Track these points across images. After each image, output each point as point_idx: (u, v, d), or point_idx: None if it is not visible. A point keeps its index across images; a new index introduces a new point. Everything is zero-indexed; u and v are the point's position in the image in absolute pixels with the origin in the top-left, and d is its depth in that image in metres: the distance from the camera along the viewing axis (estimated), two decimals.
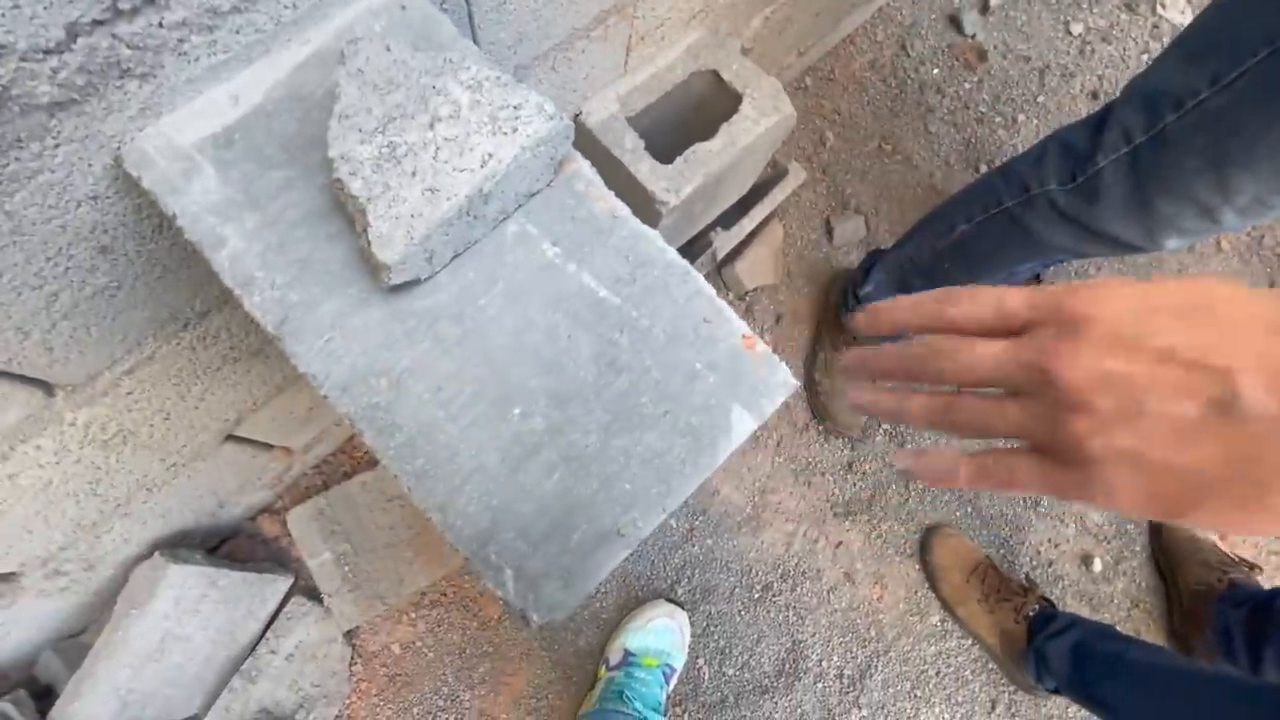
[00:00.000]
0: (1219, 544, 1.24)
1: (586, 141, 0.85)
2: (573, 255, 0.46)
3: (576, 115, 0.84)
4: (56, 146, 0.40)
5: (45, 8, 0.33)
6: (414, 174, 0.40)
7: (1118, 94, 0.77)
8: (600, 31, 0.74)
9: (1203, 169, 0.68)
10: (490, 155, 0.41)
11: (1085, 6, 1.65)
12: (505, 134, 0.42)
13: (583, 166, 0.48)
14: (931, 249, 1.03)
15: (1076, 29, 1.62)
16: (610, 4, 0.71)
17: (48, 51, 0.35)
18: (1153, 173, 0.72)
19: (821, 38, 1.41)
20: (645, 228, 0.47)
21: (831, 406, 1.26)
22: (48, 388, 0.56)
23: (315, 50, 0.47)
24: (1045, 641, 1.07)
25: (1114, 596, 1.28)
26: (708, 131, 0.87)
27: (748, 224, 1.16)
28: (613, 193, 0.48)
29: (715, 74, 0.91)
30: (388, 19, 0.48)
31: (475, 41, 0.60)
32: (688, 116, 0.99)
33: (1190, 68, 0.67)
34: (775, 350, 0.46)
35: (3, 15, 0.32)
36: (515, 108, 0.42)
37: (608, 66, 0.81)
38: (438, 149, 0.41)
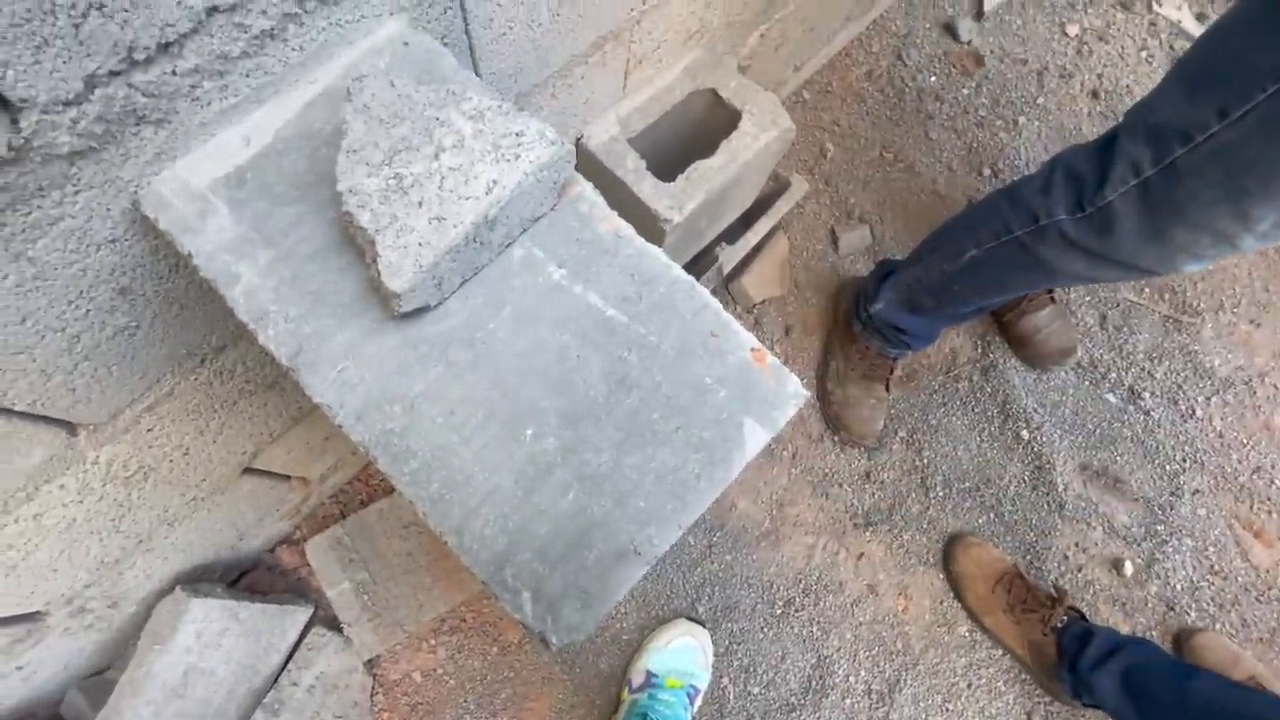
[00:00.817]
0: (1259, 678, 1.11)
1: (589, 164, 0.87)
2: (579, 276, 0.46)
3: (579, 139, 0.85)
4: (76, 193, 0.41)
5: (65, 61, 0.35)
6: (421, 204, 0.41)
7: (1120, 105, 0.77)
8: (598, 58, 0.75)
9: (1219, 200, 0.67)
10: (494, 182, 0.42)
11: (1080, 8, 1.65)
12: (508, 161, 0.43)
13: (585, 189, 0.49)
14: (941, 271, 1.03)
15: (1073, 30, 1.62)
16: (607, 30, 0.72)
17: (67, 103, 0.36)
18: (1166, 204, 0.72)
19: (818, 52, 1.43)
20: (649, 246, 0.47)
21: (846, 416, 1.25)
22: (70, 427, 0.57)
23: (322, 89, 0.48)
24: (1090, 672, 1.02)
25: (1147, 600, 1.25)
26: (708, 149, 0.88)
27: (752, 237, 1.17)
28: (616, 213, 0.48)
29: (714, 92, 0.92)
30: (391, 55, 0.49)
31: (477, 73, 0.61)
32: (688, 135, 1.00)
33: (1195, 100, 0.67)
34: (786, 362, 0.46)
35: (24, 70, 0.34)
36: (517, 135, 0.43)
37: (607, 90, 0.83)
38: (443, 178, 0.42)
